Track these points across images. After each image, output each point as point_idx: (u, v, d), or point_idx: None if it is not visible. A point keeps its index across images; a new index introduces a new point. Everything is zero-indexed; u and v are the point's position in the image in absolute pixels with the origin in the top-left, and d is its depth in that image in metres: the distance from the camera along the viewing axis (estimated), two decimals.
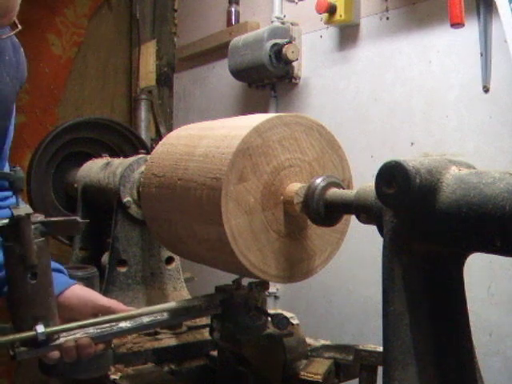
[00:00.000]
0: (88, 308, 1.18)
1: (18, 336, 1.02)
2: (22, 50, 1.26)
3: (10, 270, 1.03)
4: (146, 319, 1.16)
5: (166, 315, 1.17)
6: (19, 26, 1.06)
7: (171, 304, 1.19)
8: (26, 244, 1.01)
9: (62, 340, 1.07)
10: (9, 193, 1.27)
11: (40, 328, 1.02)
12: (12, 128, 1.29)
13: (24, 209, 1.02)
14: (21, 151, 2.98)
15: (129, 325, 1.14)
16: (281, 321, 1.20)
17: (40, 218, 1.05)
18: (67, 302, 1.18)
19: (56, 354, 1.08)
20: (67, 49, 3.41)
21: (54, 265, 1.23)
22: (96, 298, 1.21)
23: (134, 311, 1.15)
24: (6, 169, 1.32)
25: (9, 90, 1.19)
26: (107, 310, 1.17)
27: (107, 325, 1.12)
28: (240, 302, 1.21)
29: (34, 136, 3.01)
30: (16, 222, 1.01)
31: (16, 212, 1.01)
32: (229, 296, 1.21)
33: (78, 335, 1.09)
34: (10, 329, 1.05)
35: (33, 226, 1.02)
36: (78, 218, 1.12)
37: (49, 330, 1.03)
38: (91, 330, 1.10)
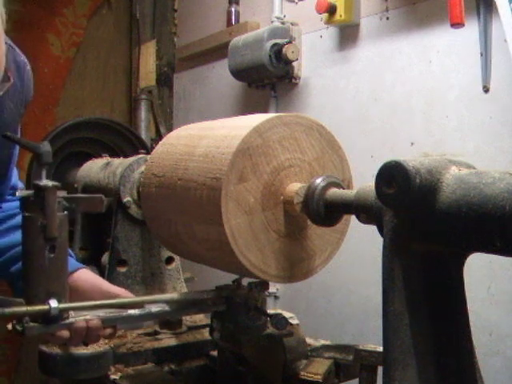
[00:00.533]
0: (96, 293, 1.18)
1: (30, 309, 1.00)
2: (28, 67, 1.22)
3: (29, 242, 1.02)
4: (154, 308, 1.16)
5: (173, 306, 1.18)
6: (11, 79, 1.02)
7: (179, 294, 1.20)
8: (50, 215, 1.00)
9: (72, 319, 1.06)
10: (17, 210, 1.27)
11: (54, 303, 1.00)
12: (17, 148, 1.29)
13: (53, 182, 1.02)
14: (20, 151, 2.97)
15: (137, 312, 1.14)
16: (279, 321, 1.20)
17: (63, 193, 1.05)
18: (76, 284, 1.17)
19: (66, 333, 1.06)
20: (66, 49, 3.41)
21: None
22: (105, 285, 1.20)
23: (144, 297, 1.16)
24: (15, 175, 1.32)
25: (13, 116, 1.17)
26: (116, 297, 1.17)
27: (115, 309, 1.12)
28: (240, 302, 1.21)
29: (32, 136, 3.00)
30: (42, 193, 1.00)
31: (42, 183, 1.01)
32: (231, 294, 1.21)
33: (88, 316, 1.08)
34: (19, 303, 1.02)
35: (57, 200, 1.02)
36: (102, 196, 1.11)
37: (62, 305, 1.02)
38: (101, 313, 1.10)
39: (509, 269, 1.77)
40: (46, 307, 1.00)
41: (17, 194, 1.06)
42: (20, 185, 1.34)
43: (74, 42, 3.45)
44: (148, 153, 1.89)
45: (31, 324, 1.01)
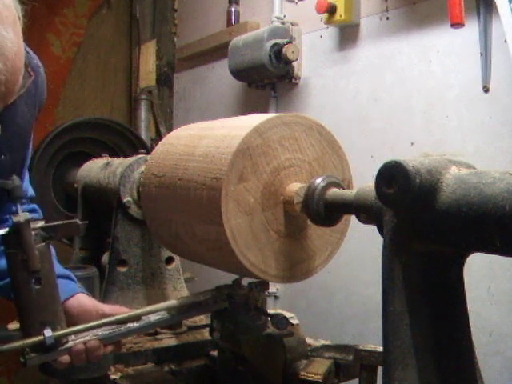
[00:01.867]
0: (91, 317, 1.18)
1: (26, 341, 1.03)
2: (41, 70, 1.22)
3: (14, 277, 1.04)
4: (153, 318, 1.16)
5: (172, 312, 1.17)
6: (32, 74, 1.02)
7: (176, 301, 1.19)
8: (28, 250, 1.02)
9: (70, 343, 1.08)
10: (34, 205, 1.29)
11: (48, 332, 1.02)
12: (30, 151, 1.29)
13: (23, 215, 1.03)
14: None
15: (136, 324, 1.14)
16: (280, 321, 1.20)
17: (40, 223, 1.06)
18: (71, 311, 1.18)
19: (66, 358, 1.08)
20: (67, 49, 3.41)
21: (62, 271, 1.24)
22: (99, 306, 1.20)
23: (140, 310, 1.15)
24: (27, 179, 1.32)
25: (27, 120, 1.17)
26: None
27: (115, 326, 1.12)
28: (240, 302, 1.21)
29: (33, 136, 3.00)
30: (17, 229, 1.02)
31: (16, 219, 1.02)
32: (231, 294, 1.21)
33: (86, 338, 1.09)
34: (18, 335, 1.06)
35: (33, 232, 1.03)
36: (78, 220, 1.12)
37: (57, 333, 1.04)
38: (99, 332, 1.11)
39: (509, 269, 1.77)
40: (41, 337, 1.02)
41: None
42: (30, 191, 1.34)
43: (74, 42, 3.45)
44: (148, 153, 1.89)
45: (32, 355, 1.05)
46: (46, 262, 1.05)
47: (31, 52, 1.19)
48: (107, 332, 1.11)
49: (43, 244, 1.05)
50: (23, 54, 0.94)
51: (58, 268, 1.23)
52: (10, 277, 1.05)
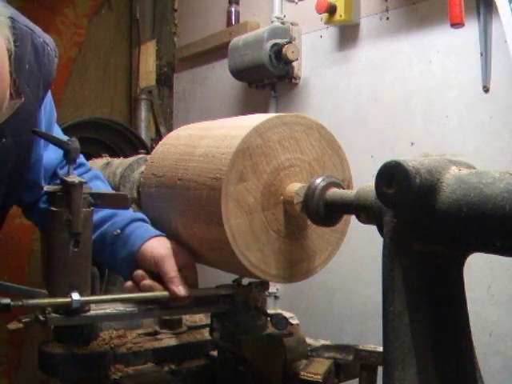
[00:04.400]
0: (154, 268, 1.18)
1: (52, 301, 1.04)
2: (48, 48, 1.21)
3: (54, 236, 1.06)
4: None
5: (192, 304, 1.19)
6: (22, 97, 1.03)
7: (200, 290, 1.20)
8: (75, 211, 1.04)
9: (92, 312, 1.09)
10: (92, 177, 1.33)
11: (75, 295, 1.03)
12: (55, 125, 1.29)
13: (77, 178, 1.07)
14: None
15: (158, 308, 1.15)
16: (280, 321, 1.20)
17: (90, 189, 1.10)
18: (142, 257, 1.19)
19: None
20: (68, 49, 3.41)
21: (136, 214, 1.28)
22: (163, 262, 1.18)
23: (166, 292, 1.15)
24: (55, 152, 1.32)
25: (29, 102, 1.16)
26: (165, 279, 1.16)
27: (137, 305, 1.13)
28: (240, 302, 1.21)
29: None
30: (68, 190, 1.05)
31: (70, 179, 1.06)
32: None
33: (108, 310, 1.11)
34: (44, 294, 1.07)
35: (82, 196, 1.06)
36: (127, 194, 1.16)
37: (83, 298, 1.05)
38: (120, 307, 1.12)
39: (509, 269, 1.77)
40: (68, 300, 1.03)
41: (44, 188, 1.10)
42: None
43: (75, 42, 3.44)
44: (148, 153, 1.89)
45: (53, 315, 1.05)
46: (88, 228, 1.08)
47: (37, 30, 1.19)
48: (129, 309, 1.12)
49: (89, 209, 1.08)
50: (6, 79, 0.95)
51: (134, 213, 1.28)
52: (50, 235, 1.08)
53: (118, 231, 1.24)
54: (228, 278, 1.24)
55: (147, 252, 1.19)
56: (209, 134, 1.20)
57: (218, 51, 2.93)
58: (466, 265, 0.86)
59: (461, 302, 0.85)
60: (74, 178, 1.06)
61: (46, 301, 1.03)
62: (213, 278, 1.59)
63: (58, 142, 1.11)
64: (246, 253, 1.08)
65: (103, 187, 1.35)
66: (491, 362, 1.80)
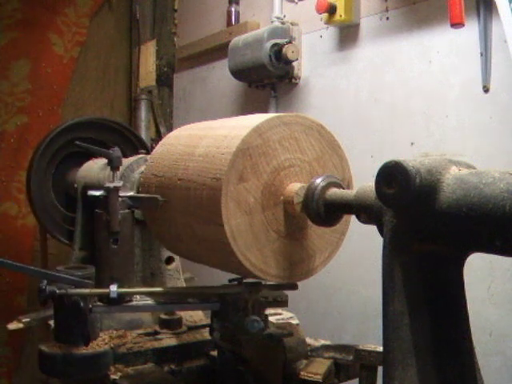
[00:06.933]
0: None
1: (93, 290, 1.16)
2: None
3: (97, 234, 1.22)
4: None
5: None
6: None
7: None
8: (112, 212, 1.21)
9: (133, 303, 1.20)
10: None
11: (113, 287, 1.14)
12: None
13: (115, 183, 1.23)
14: (23, 152, 2.96)
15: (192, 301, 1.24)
16: (250, 323, 1.16)
17: (129, 193, 1.24)
18: None
19: None
20: (69, 48, 3.40)
21: None
22: None
23: (192, 288, 1.27)
24: None
25: None
26: None
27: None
28: (240, 302, 1.21)
29: (36, 137, 2.99)
30: (106, 193, 1.21)
31: (107, 184, 1.22)
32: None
33: (148, 301, 1.21)
34: (90, 283, 1.20)
35: (120, 199, 1.21)
36: (159, 197, 1.25)
37: (120, 290, 1.15)
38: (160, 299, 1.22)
39: (509, 269, 1.77)
40: (106, 290, 1.14)
41: (88, 192, 1.26)
42: None
43: (77, 42, 3.44)
44: (148, 153, 1.89)
45: (98, 303, 1.19)
46: (127, 227, 1.24)
47: None
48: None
49: (127, 211, 1.23)
50: None
51: None
52: (94, 234, 1.22)
53: None
54: (228, 277, 1.24)
55: None
56: (209, 134, 1.20)
57: (218, 51, 2.93)
58: (465, 265, 0.86)
59: (461, 302, 0.85)
60: (113, 183, 1.21)
61: (86, 291, 1.14)
62: (213, 278, 1.59)
63: (101, 153, 1.24)
64: (245, 253, 1.08)
65: None
66: (491, 361, 1.80)
